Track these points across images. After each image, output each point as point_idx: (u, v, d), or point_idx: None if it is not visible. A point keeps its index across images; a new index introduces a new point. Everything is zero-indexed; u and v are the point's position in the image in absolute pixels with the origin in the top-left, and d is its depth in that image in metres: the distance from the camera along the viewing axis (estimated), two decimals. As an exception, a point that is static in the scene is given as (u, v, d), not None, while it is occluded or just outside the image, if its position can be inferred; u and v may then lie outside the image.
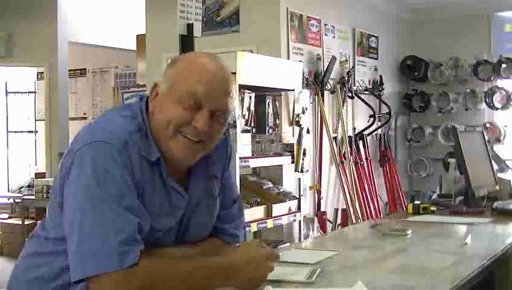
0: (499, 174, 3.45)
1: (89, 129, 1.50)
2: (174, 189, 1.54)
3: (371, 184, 5.78)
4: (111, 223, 1.37)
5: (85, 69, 8.51)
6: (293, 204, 4.31)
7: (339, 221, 5.28)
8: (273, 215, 4.05)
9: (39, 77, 8.12)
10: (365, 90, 6.02)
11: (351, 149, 5.62)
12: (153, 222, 1.48)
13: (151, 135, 1.51)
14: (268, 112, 4.31)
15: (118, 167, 1.41)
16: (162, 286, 1.40)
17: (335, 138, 5.44)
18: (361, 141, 5.84)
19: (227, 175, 1.73)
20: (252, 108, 4.09)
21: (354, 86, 5.76)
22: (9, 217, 7.32)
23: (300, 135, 4.39)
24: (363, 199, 5.54)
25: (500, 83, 6.51)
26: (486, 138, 3.93)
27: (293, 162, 4.32)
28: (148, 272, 1.39)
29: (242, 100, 3.93)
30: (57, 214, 1.50)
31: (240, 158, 3.72)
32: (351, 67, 5.74)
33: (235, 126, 3.68)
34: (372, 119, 5.98)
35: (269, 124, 4.32)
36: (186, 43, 3.62)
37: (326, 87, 5.32)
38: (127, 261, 1.36)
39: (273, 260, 1.58)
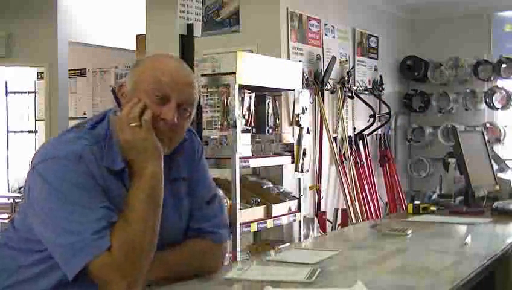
0: (499, 174, 3.45)
1: (45, 147, 1.59)
2: None
3: (371, 184, 5.78)
4: (79, 221, 1.44)
5: (85, 69, 8.50)
6: (293, 204, 4.31)
7: (339, 221, 5.28)
8: (273, 215, 4.05)
9: (39, 77, 8.11)
10: (365, 90, 6.02)
11: (351, 149, 5.61)
12: None
13: (114, 142, 1.56)
14: (268, 112, 4.31)
15: (75, 175, 1.47)
16: (139, 249, 1.47)
17: (335, 138, 5.44)
18: (361, 141, 5.84)
19: (197, 176, 1.74)
20: (252, 108, 4.09)
21: (354, 86, 5.76)
22: (9, 217, 7.32)
23: (300, 135, 4.39)
24: (363, 199, 5.54)
25: (500, 83, 6.50)
26: (486, 138, 3.93)
27: (293, 162, 4.31)
28: (121, 245, 1.44)
29: (242, 100, 3.93)
30: (27, 217, 1.56)
31: (240, 158, 3.72)
32: (351, 67, 5.74)
33: (235, 126, 3.68)
34: (372, 119, 5.98)
35: (269, 124, 4.32)
36: (187, 43, 3.62)
37: (326, 87, 5.31)
38: (105, 245, 1.43)
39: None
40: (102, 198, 1.48)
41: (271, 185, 4.38)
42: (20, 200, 7.04)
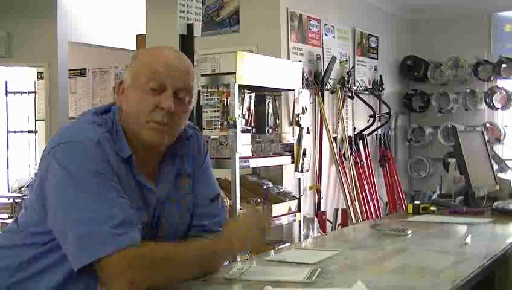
0: (499, 174, 3.44)
1: (60, 133, 1.56)
2: (143, 184, 1.58)
3: (371, 184, 5.78)
4: (98, 210, 1.41)
5: (85, 69, 8.50)
6: (293, 204, 4.32)
7: (339, 221, 5.28)
8: (273, 215, 4.05)
9: (39, 77, 8.10)
10: (365, 90, 6.02)
11: (351, 149, 5.62)
12: None
13: (122, 132, 1.56)
14: (268, 112, 4.31)
15: (93, 162, 1.46)
16: (163, 265, 1.45)
17: (335, 138, 5.44)
18: (361, 141, 5.84)
19: (201, 172, 1.74)
20: (252, 108, 4.09)
21: (354, 86, 5.76)
22: (9, 217, 7.30)
23: (300, 135, 4.39)
24: (363, 199, 5.54)
25: (500, 83, 6.50)
26: (486, 138, 3.93)
27: (293, 162, 4.32)
28: (147, 252, 1.43)
29: (242, 100, 3.93)
30: (34, 212, 1.54)
31: (240, 158, 3.72)
32: (351, 67, 5.74)
33: (235, 126, 3.68)
34: (372, 119, 5.98)
35: (269, 124, 4.32)
36: (186, 43, 3.62)
37: (326, 87, 5.32)
38: (127, 241, 1.40)
39: (264, 219, 1.69)
40: (119, 187, 1.47)
41: (271, 185, 4.38)
42: (19, 200, 7.05)
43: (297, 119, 4.42)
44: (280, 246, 3.63)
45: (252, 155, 3.93)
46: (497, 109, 6.44)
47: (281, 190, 4.38)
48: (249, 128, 4.05)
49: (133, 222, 1.45)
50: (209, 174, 1.78)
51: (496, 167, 3.47)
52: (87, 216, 1.41)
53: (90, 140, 1.48)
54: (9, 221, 7.08)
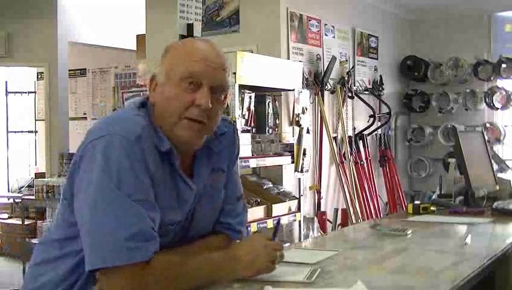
0: (499, 174, 3.44)
1: (102, 123, 1.51)
2: (182, 180, 1.55)
3: (371, 184, 5.78)
4: (121, 217, 1.39)
5: (85, 69, 8.50)
6: (293, 204, 4.32)
7: (339, 221, 5.28)
8: (273, 215, 4.05)
9: (39, 77, 8.11)
10: (365, 90, 6.03)
11: (351, 149, 5.62)
12: (162, 216, 1.48)
13: (158, 128, 1.53)
14: (268, 112, 4.31)
15: (130, 160, 1.42)
16: (170, 282, 1.43)
17: (335, 138, 5.44)
18: (361, 141, 5.84)
19: (232, 169, 1.75)
20: (252, 108, 4.10)
21: (354, 86, 5.76)
22: (9, 217, 7.33)
23: (300, 135, 4.39)
24: (363, 199, 5.54)
25: (500, 83, 6.51)
26: (486, 138, 3.93)
27: (293, 162, 4.32)
28: (156, 269, 1.41)
29: (242, 100, 3.93)
30: (62, 209, 1.53)
31: (240, 158, 3.71)
32: (351, 67, 5.74)
33: (235, 126, 3.68)
34: (372, 119, 5.98)
35: (269, 124, 4.32)
36: (186, 43, 3.62)
37: (326, 87, 5.32)
38: (136, 257, 1.38)
39: (275, 250, 1.59)
40: (149, 191, 1.43)
41: (271, 185, 4.38)
42: (19, 200, 7.05)
43: (297, 119, 4.43)
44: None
45: (252, 155, 3.93)
46: (497, 109, 6.44)
47: (281, 190, 4.38)
48: (249, 128, 4.05)
49: (149, 234, 1.41)
50: (237, 173, 1.79)
51: (496, 167, 3.47)
52: (106, 218, 1.38)
53: (132, 133, 1.44)
54: (10, 221, 7.12)
